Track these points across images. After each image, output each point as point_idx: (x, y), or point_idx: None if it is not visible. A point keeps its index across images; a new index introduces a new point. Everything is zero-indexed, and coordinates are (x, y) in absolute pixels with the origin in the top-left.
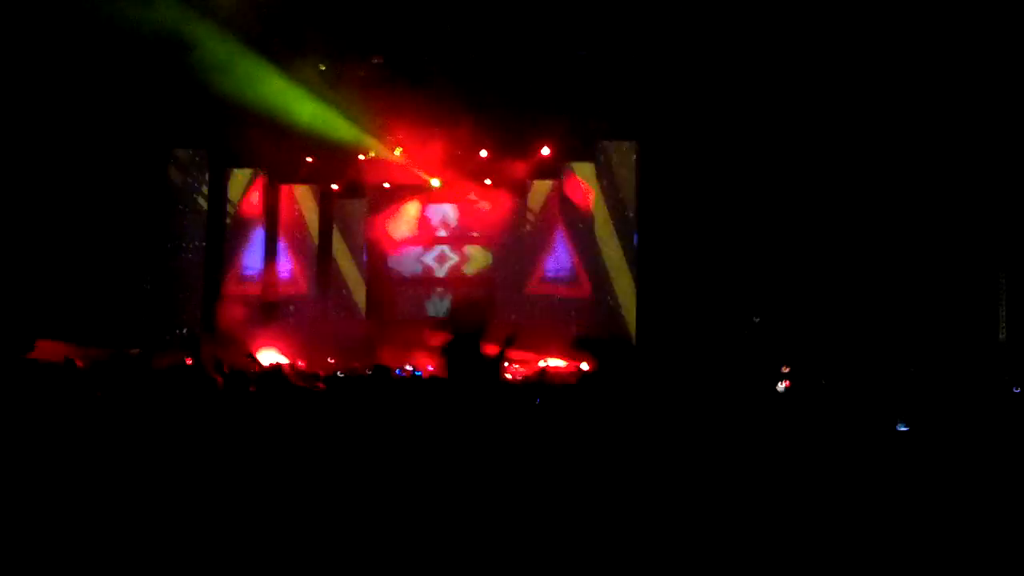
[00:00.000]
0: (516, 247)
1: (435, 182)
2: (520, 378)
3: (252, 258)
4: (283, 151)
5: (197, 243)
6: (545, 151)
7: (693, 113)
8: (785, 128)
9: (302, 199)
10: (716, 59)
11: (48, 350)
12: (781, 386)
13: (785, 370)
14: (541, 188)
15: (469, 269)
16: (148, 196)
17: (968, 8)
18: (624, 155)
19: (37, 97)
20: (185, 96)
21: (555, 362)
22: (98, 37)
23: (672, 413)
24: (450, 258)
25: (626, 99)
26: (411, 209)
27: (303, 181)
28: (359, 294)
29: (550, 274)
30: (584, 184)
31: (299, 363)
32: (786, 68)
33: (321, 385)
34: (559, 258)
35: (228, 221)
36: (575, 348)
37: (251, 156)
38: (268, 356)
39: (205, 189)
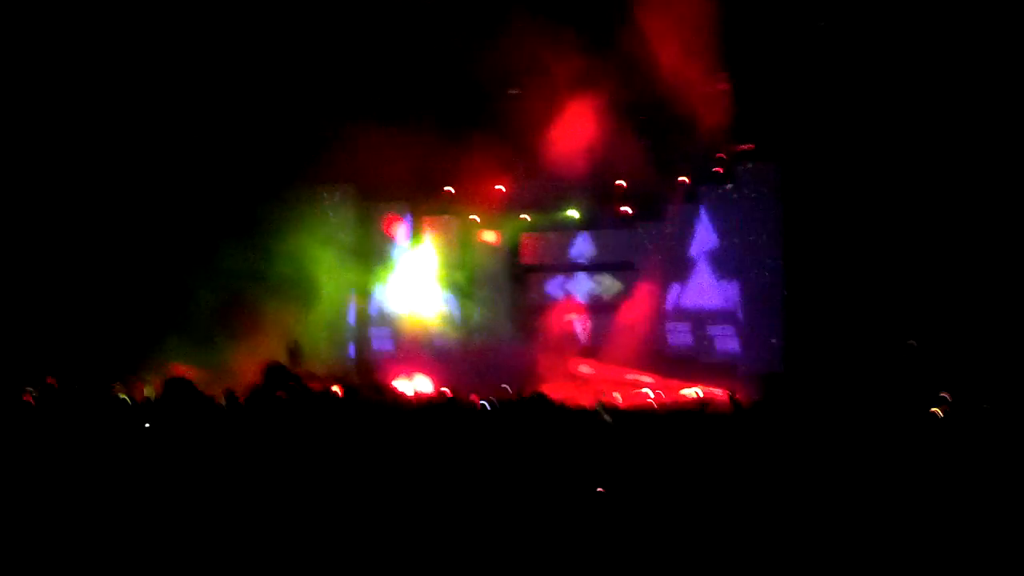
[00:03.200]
0: (657, 274)
1: (573, 213)
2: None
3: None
4: (424, 184)
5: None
6: (684, 178)
7: (837, 131)
8: (937, 144)
9: (444, 231)
10: (857, 76)
11: None
12: (940, 412)
13: (944, 395)
14: (680, 214)
15: (607, 294)
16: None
17: None
18: (764, 178)
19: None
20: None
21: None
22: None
23: (830, 443)
24: (588, 285)
25: (766, 122)
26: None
27: (444, 213)
28: (499, 325)
29: (691, 299)
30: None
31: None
32: (930, 83)
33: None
34: (700, 284)
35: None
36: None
37: (395, 191)
38: (416, 384)
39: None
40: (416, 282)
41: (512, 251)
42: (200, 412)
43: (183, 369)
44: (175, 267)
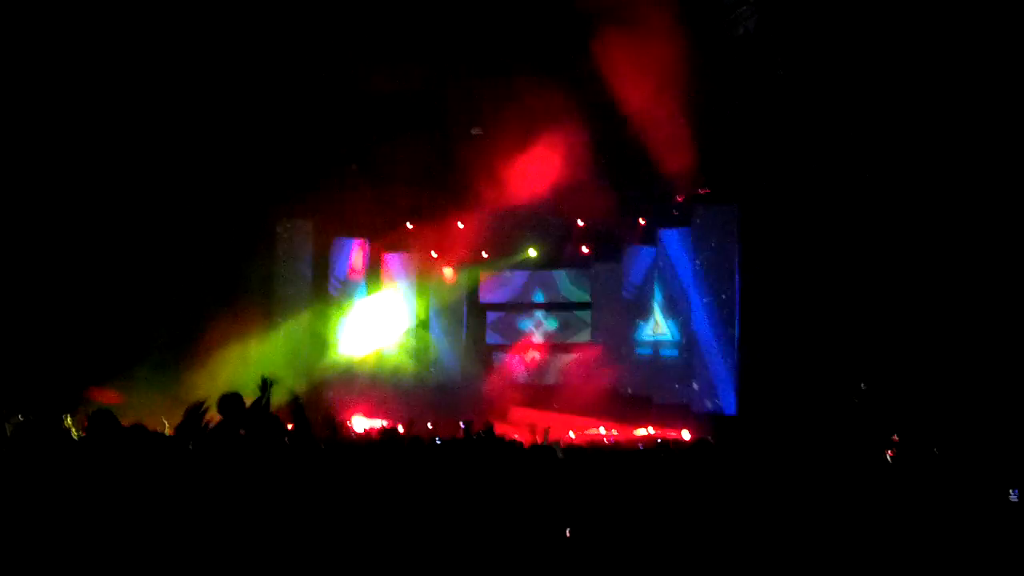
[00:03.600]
0: (614, 314)
1: (532, 251)
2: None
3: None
4: (385, 219)
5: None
6: (641, 220)
7: (794, 176)
8: (887, 189)
9: (402, 267)
10: (815, 123)
11: None
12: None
13: (895, 439)
14: (638, 255)
15: (563, 334)
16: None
17: None
18: (721, 220)
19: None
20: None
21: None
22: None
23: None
24: (545, 324)
25: (725, 165)
26: (509, 276)
27: (402, 249)
28: (456, 361)
29: (647, 340)
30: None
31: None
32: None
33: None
34: (656, 325)
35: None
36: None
37: (354, 225)
38: (363, 422)
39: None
40: (373, 317)
41: (470, 289)
42: (120, 446)
43: (108, 395)
44: (135, 294)
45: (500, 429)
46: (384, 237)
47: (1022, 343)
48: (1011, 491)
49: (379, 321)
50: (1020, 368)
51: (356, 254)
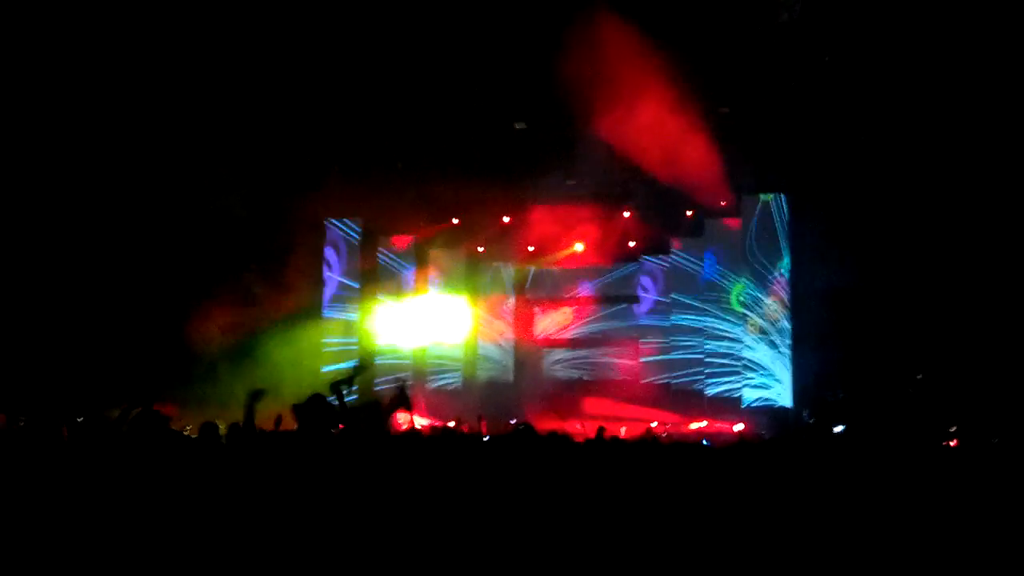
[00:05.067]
0: (662, 308)
1: (579, 246)
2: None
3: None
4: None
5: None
6: (689, 212)
7: (843, 164)
8: (944, 175)
9: (448, 264)
10: (864, 109)
11: None
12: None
13: (953, 429)
14: (687, 248)
15: (613, 329)
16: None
17: None
18: (771, 211)
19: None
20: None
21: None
22: None
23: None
24: (595, 319)
25: (772, 153)
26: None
27: (448, 245)
28: (507, 359)
29: (695, 335)
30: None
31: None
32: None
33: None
34: (705, 318)
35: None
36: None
37: (401, 222)
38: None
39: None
40: (421, 315)
41: (518, 284)
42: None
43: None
44: (176, 301)
45: (554, 425)
46: (430, 234)
47: None
48: None
49: (426, 320)
50: None
51: (403, 251)
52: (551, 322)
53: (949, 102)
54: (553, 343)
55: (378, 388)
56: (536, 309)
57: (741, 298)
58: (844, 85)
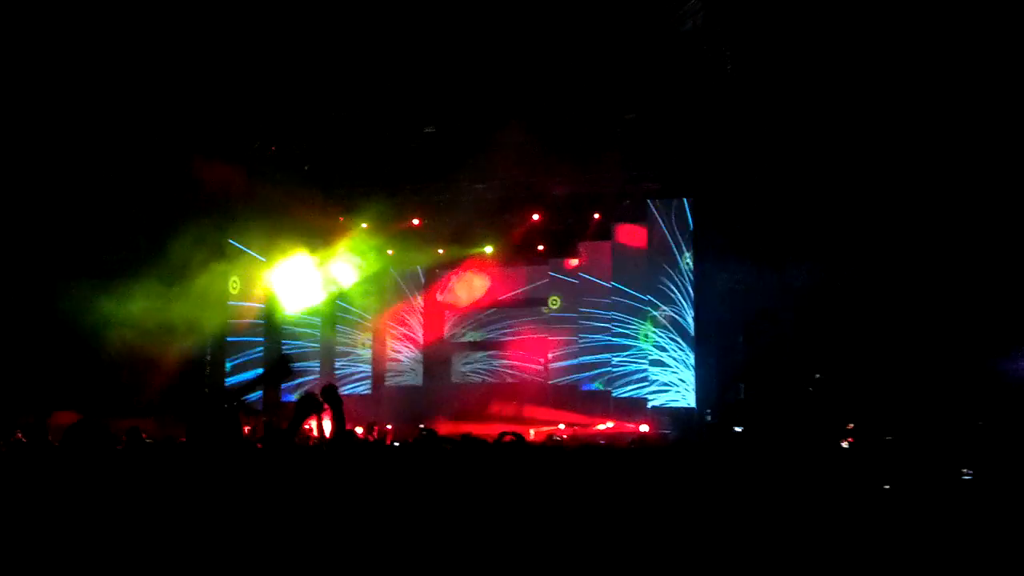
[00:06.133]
0: (570, 310)
1: (488, 249)
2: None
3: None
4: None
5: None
6: (596, 215)
7: (747, 167)
8: (842, 179)
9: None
10: (768, 113)
11: None
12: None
13: (850, 427)
14: (593, 250)
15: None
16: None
17: None
18: (676, 214)
19: None
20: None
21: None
22: None
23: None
24: (503, 322)
25: (677, 158)
26: (473, 279)
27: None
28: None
29: (602, 337)
30: (638, 243)
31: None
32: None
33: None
34: (612, 319)
35: None
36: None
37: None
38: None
39: None
40: (328, 319)
41: (426, 287)
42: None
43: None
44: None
45: (464, 429)
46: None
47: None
48: (964, 471)
49: (333, 323)
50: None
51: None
52: (460, 323)
53: (847, 105)
54: (463, 347)
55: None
56: (446, 312)
57: (651, 330)
58: (746, 92)
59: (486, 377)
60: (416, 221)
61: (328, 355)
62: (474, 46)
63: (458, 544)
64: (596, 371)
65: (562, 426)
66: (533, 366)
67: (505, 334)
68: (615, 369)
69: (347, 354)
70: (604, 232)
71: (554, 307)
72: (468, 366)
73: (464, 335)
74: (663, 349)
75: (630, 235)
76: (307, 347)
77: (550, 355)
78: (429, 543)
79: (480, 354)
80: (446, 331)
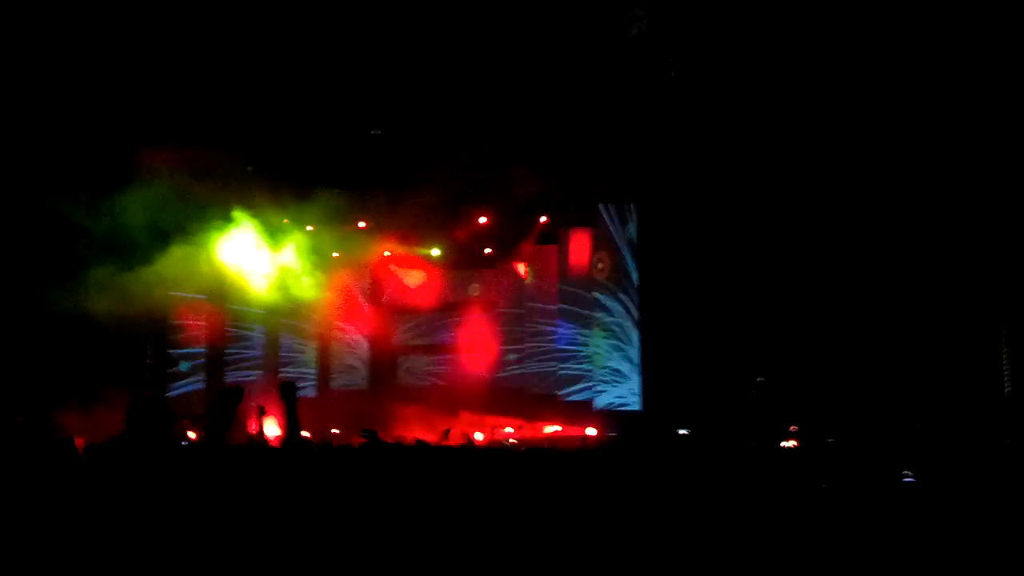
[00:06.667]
0: (518, 314)
1: (435, 251)
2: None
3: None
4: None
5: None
6: (543, 218)
7: (689, 175)
8: (783, 184)
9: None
10: (711, 120)
11: None
12: (788, 444)
13: (793, 429)
14: (541, 254)
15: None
16: None
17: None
18: (622, 219)
19: None
20: None
21: (554, 428)
22: None
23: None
24: (449, 324)
25: (624, 163)
26: (416, 277)
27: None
28: (362, 366)
29: (549, 340)
30: (584, 247)
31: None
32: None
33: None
34: (560, 324)
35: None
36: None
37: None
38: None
39: None
40: (271, 319)
41: (372, 289)
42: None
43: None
44: None
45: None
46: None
47: (909, 334)
48: (905, 474)
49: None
50: (906, 356)
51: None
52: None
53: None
54: (409, 349)
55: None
56: (391, 314)
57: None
58: (689, 98)
59: (434, 380)
60: (362, 224)
61: (273, 352)
62: (422, 50)
63: (412, 547)
64: (544, 371)
65: (510, 429)
66: (481, 368)
67: (451, 335)
68: (563, 370)
69: (291, 356)
70: (551, 237)
71: (529, 277)
72: (413, 368)
73: (410, 338)
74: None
75: (577, 251)
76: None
77: (500, 355)
78: (382, 545)
79: (425, 358)
80: (392, 333)
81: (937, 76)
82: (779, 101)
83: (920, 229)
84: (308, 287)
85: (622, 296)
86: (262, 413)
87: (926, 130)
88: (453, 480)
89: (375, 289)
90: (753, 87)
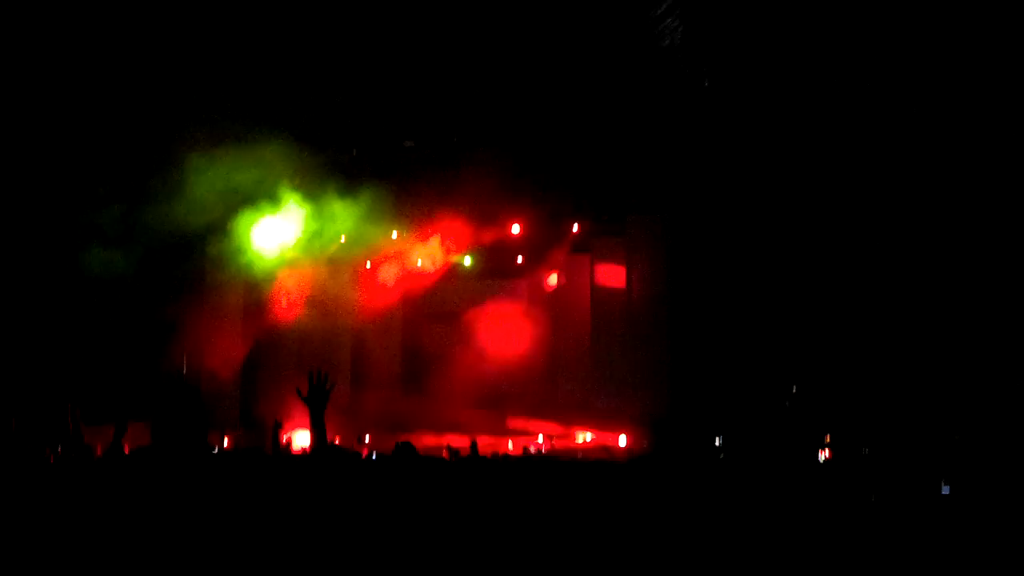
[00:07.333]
0: (548, 322)
1: (467, 260)
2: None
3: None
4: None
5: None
6: (576, 227)
7: (721, 185)
8: (817, 192)
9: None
10: (745, 129)
11: None
12: (823, 456)
13: (827, 439)
14: (573, 263)
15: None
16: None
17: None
18: (651, 229)
19: None
20: None
21: (586, 436)
22: None
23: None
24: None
25: (652, 174)
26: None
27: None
28: (394, 371)
29: (580, 348)
30: (616, 256)
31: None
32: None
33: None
34: (590, 331)
35: None
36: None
37: None
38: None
39: None
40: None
41: (404, 297)
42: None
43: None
44: None
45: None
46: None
47: (945, 342)
48: (943, 486)
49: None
50: (944, 366)
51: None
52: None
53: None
54: (442, 351)
55: None
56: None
57: None
58: (722, 107)
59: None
60: (394, 235)
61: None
62: (459, 62)
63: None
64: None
65: (540, 439)
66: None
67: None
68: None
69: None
70: (583, 245)
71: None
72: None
73: (443, 342)
74: None
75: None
76: None
77: (532, 363)
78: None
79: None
80: (425, 335)
81: (987, 87)
82: (813, 110)
83: (960, 238)
84: (344, 285)
85: (655, 304)
86: (278, 428)
87: (960, 141)
88: (472, 495)
89: (408, 292)
90: (787, 97)
